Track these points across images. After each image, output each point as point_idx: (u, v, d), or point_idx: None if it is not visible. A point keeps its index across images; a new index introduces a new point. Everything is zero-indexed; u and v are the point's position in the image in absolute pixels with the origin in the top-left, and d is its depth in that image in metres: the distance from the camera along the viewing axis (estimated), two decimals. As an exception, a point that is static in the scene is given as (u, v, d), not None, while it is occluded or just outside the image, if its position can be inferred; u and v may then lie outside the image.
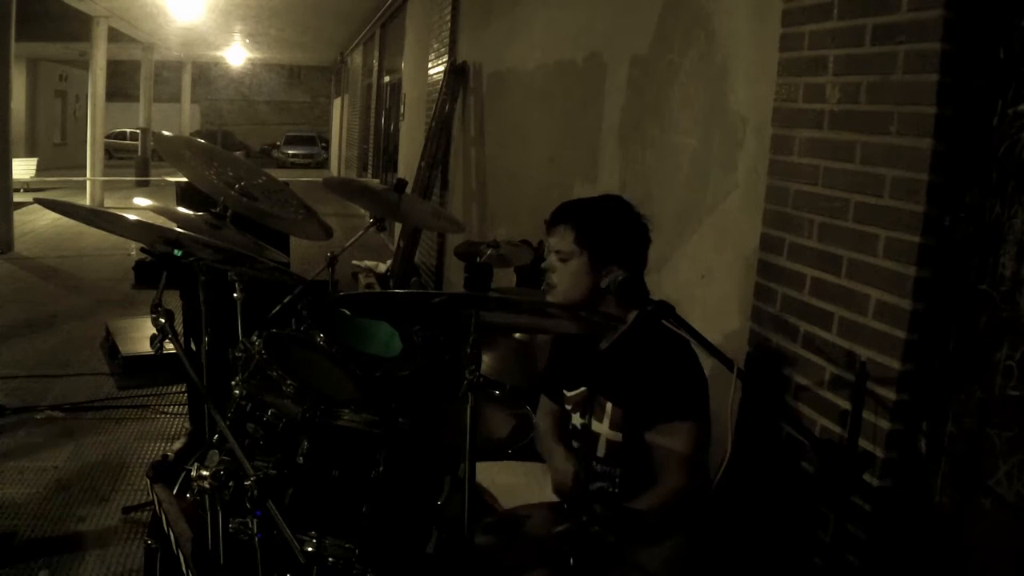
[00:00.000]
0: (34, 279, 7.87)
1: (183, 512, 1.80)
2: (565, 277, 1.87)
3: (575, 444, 1.96)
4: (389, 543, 1.79)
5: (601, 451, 1.89)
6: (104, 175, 14.90)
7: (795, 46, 2.13)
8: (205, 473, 1.53)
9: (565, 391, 2.02)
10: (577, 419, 1.95)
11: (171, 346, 1.78)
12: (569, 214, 1.89)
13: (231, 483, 1.51)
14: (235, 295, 2.44)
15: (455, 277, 6.24)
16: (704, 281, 2.61)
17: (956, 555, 1.74)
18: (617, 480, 1.88)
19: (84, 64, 16.10)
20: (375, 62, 14.30)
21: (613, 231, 1.86)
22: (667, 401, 1.78)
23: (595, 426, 1.91)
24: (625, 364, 1.86)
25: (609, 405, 1.87)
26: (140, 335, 5.16)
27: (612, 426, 1.86)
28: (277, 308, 2.51)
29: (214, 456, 1.56)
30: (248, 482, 1.50)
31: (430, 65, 7.62)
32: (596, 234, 1.85)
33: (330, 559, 1.60)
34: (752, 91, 2.41)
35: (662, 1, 3.01)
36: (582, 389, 1.96)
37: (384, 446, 1.92)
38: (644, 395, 1.80)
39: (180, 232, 1.91)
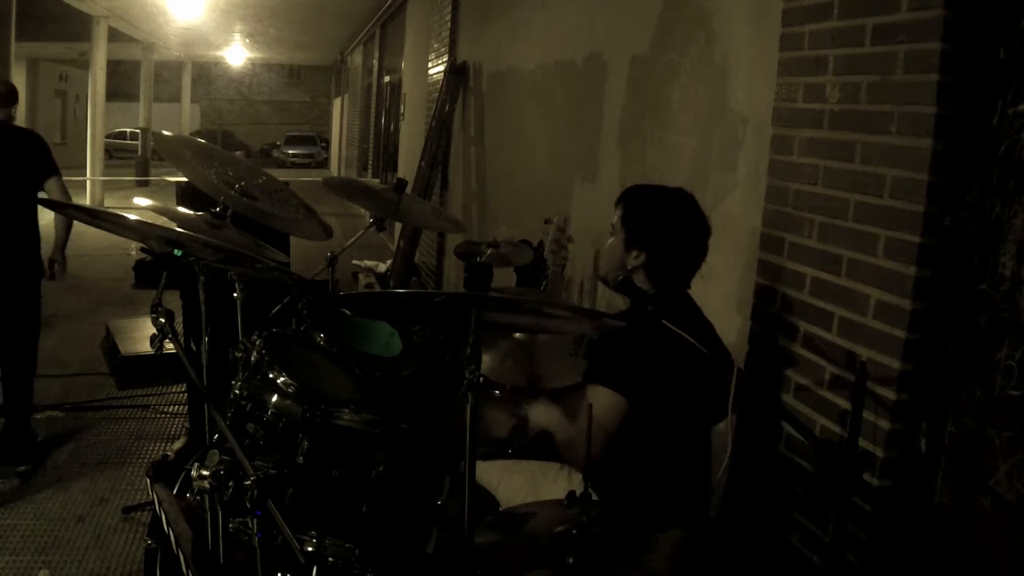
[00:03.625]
0: (34, 279, 7.86)
1: (183, 512, 1.80)
2: (607, 249, 2.01)
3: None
4: (389, 543, 1.79)
5: None
6: (104, 175, 14.92)
7: (795, 46, 2.13)
8: (205, 473, 1.52)
9: None
10: None
11: (171, 346, 1.78)
12: (629, 193, 2.02)
13: (231, 483, 1.51)
14: (235, 295, 2.44)
15: (455, 277, 6.25)
16: (704, 281, 2.60)
17: (956, 555, 1.74)
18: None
19: (84, 64, 16.11)
20: (375, 62, 14.29)
21: (652, 216, 1.95)
22: (611, 366, 1.85)
23: None
24: (631, 341, 1.90)
25: None
26: (140, 335, 5.16)
27: None
28: (277, 308, 2.51)
29: (214, 456, 1.56)
30: (248, 482, 1.50)
31: (430, 65, 7.62)
32: (635, 215, 1.95)
33: (330, 559, 1.60)
34: (752, 91, 2.41)
35: (662, 1, 3.00)
36: None
37: (384, 446, 1.92)
38: (604, 357, 1.89)
39: (180, 232, 1.91)
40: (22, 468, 3.47)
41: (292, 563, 1.58)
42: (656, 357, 1.82)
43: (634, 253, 1.93)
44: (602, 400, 1.82)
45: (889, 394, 1.80)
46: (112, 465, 3.64)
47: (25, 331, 3.55)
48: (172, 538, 1.75)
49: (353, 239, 2.87)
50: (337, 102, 24.40)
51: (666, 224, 1.93)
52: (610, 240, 2.01)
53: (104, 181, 14.92)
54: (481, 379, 1.45)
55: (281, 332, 2.20)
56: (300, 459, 1.84)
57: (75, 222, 3.25)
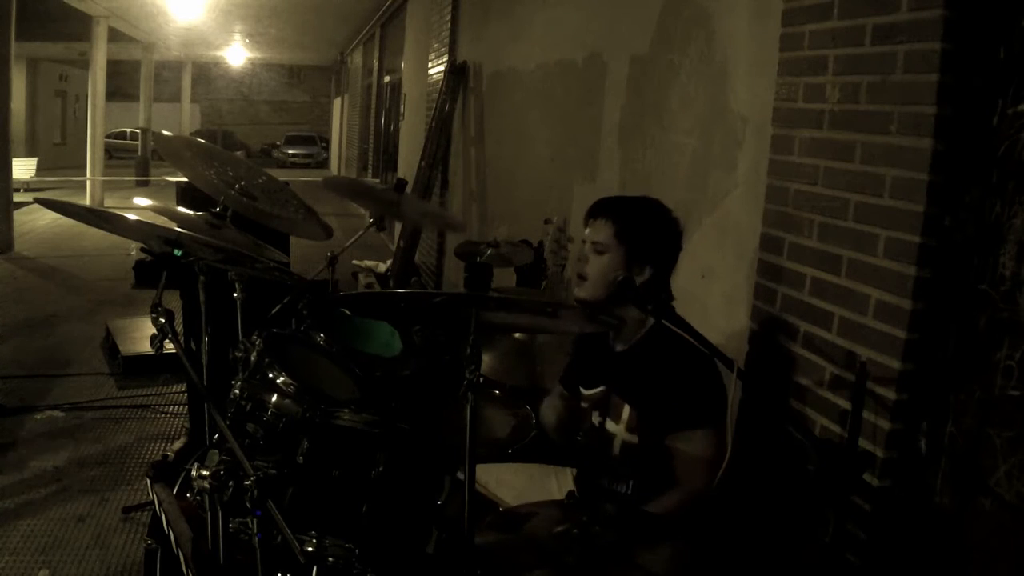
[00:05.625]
0: (34, 279, 7.87)
1: (183, 512, 1.80)
2: (598, 270, 1.88)
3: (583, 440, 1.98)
4: (389, 543, 1.79)
5: (616, 451, 1.90)
6: (104, 175, 14.91)
7: (795, 46, 2.13)
8: (205, 473, 1.52)
9: (583, 389, 2.04)
10: (595, 417, 1.97)
11: (171, 346, 1.78)
12: (611, 208, 1.92)
13: (231, 483, 1.51)
14: (235, 295, 2.44)
15: (455, 277, 6.24)
16: (704, 281, 2.61)
17: (956, 555, 1.73)
18: (630, 482, 1.89)
19: (84, 64, 16.10)
20: (375, 62, 14.29)
21: (652, 230, 1.90)
22: (687, 408, 1.79)
23: (610, 427, 1.92)
24: (643, 368, 1.87)
25: (626, 407, 1.89)
26: (140, 335, 5.16)
27: (628, 428, 1.87)
28: (277, 308, 2.51)
29: (214, 456, 1.56)
30: (248, 482, 1.50)
31: (430, 65, 7.62)
32: (636, 231, 1.88)
33: (330, 559, 1.60)
34: (752, 91, 2.41)
35: (662, 1, 3.00)
36: (600, 388, 1.97)
37: (384, 446, 1.92)
38: (663, 401, 1.81)
39: (180, 232, 1.91)
40: None
41: (292, 563, 1.58)
42: (698, 372, 1.80)
43: (637, 270, 1.87)
44: (699, 444, 1.79)
45: (889, 394, 1.80)
46: (112, 465, 3.64)
47: None
48: (172, 538, 1.75)
49: (353, 239, 2.88)
50: (337, 102, 24.40)
51: (669, 238, 1.91)
52: (598, 258, 1.88)
53: (104, 181, 14.91)
54: (481, 379, 1.46)
55: (281, 332, 2.20)
56: (300, 459, 1.84)
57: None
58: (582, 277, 1.91)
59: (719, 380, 1.80)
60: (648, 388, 1.85)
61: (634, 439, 1.86)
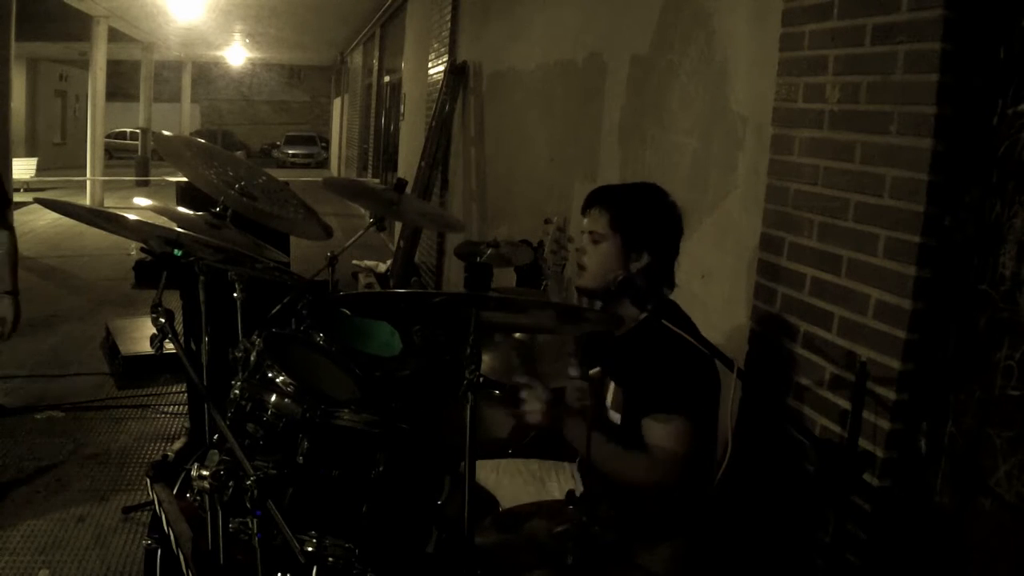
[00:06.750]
0: (34, 279, 7.86)
1: (183, 512, 1.80)
2: (596, 259, 1.90)
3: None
4: (389, 543, 1.79)
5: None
6: (104, 175, 14.91)
7: (795, 46, 2.13)
8: (205, 473, 1.52)
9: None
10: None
11: (171, 346, 1.78)
12: (605, 197, 1.93)
13: (231, 483, 1.51)
14: (235, 295, 2.44)
15: (455, 277, 6.25)
16: (704, 281, 2.61)
17: (956, 555, 1.74)
18: None
19: (84, 64, 16.11)
20: (375, 62, 14.30)
21: (647, 216, 1.90)
22: (665, 391, 1.78)
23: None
24: (634, 350, 1.87)
25: (612, 385, 1.90)
26: (140, 335, 5.16)
27: (613, 406, 1.88)
28: (277, 308, 2.51)
29: (214, 456, 1.56)
30: (248, 482, 1.50)
31: (430, 65, 7.62)
32: (630, 218, 1.88)
33: (330, 559, 1.60)
34: (752, 91, 2.41)
35: (662, 1, 3.01)
36: (596, 369, 1.98)
37: (384, 446, 1.92)
38: (645, 381, 1.81)
39: (180, 232, 1.91)
40: None
41: (292, 563, 1.58)
42: (688, 363, 1.79)
43: (635, 256, 1.87)
44: (671, 430, 1.75)
45: (889, 394, 1.80)
46: (112, 465, 3.64)
47: None
48: (172, 538, 1.75)
49: (353, 239, 2.87)
50: (337, 102, 24.40)
51: (665, 223, 1.92)
52: (595, 247, 1.90)
53: (104, 181, 14.91)
54: (481, 379, 1.46)
55: (281, 332, 2.20)
56: (300, 459, 1.84)
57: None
58: (582, 267, 1.93)
59: (707, 373, 1.78)
60: (634, 369, 1.85)
61: (617, 418, 1.87)
